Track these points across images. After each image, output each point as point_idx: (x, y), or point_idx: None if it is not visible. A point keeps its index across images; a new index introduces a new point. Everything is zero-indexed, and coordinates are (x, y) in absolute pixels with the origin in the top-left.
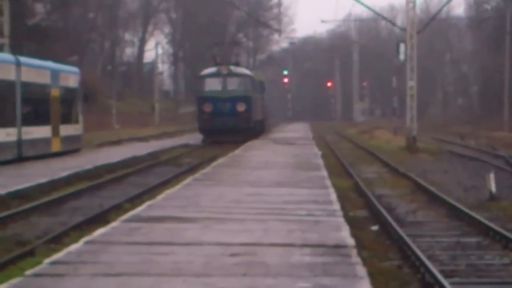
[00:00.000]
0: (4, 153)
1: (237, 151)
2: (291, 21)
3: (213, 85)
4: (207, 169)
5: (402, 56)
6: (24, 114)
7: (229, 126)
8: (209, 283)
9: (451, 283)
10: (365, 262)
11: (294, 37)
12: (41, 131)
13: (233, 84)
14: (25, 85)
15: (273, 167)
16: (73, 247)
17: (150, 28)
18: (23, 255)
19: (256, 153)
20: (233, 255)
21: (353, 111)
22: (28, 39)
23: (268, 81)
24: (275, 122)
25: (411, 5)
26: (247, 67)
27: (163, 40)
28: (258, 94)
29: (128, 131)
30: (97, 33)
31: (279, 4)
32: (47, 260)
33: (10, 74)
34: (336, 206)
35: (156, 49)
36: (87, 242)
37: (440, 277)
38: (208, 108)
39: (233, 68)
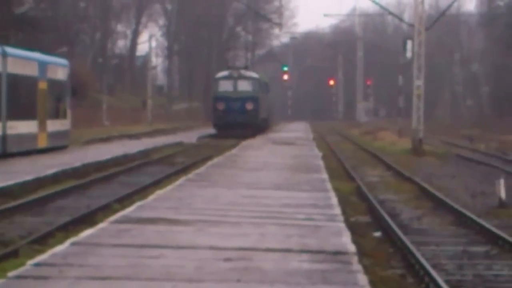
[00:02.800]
0: None
1: (234, 151)
2: (293, 14)
3: (225, 86)
4: (201, 169)
5: (409, 54)
6: (10, 107)
7: (239, 122)
8: None
9: None
10: (366, 270)
11: (296, 32)
12: (27, 126)
13: (243, 86)
14: (11, 77)
15: (271, 168)
16: (58, 248)
17: (143, 19)
18: (5, 256)
19: (254, 153)
20: (227, 260)
21: (356, 111)
22: (15, 29)
23: (264, 78)
24: (275, 120)
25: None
26: (246, 62)
27: (158, 33)
28: (264, 94)
29: (119, 128)
30: (88, 23)
31: None
32: (30, 262)
33: None
34: (337, 210)
35: (149, 42)
36: (73, 244)
37: (445, 287)
38: (221, 106)
39: (243, 71)
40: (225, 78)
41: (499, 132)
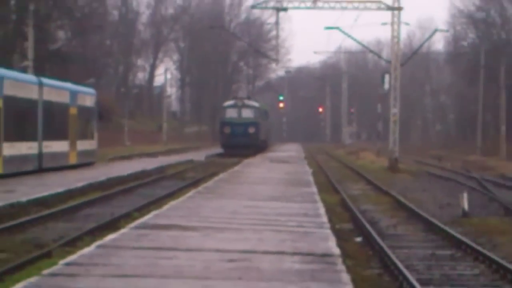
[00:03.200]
0: (27, 164)
1: (237, 168)
2: (288, 52)
3: (231, 113)
4: (208, 183)
5: (386, 86)
6: (45, 129)
7: (242, 143)
8: (208, 285)
9: None
10: (349, 269)
11: (290, 67)
12: (59, 146)
13: (246, 113)
14: (46, 104)
15: (268, 183)
16: (86, 250)
17: (160, 55)
18: (40, 257)
19: (254, 170)
20: (230, 260)
21: (342, 134)
22: (50, 63)
23: (264, 106)
24: (272, 142)
25: (395, 40)
26: (248, 92)
27: (172, 66)
28: (263, 120)
29: (138, 148)
30: (112, 58)
31: (277, 37)
32: (62, 261)
33: (33, 93)
34: (324, 219)
35: (165, 74)
36: (98, 246)
37: (416, 285)
38: (227, 130)
39: (246, 101)
40: (231, 106)
41: (463, 152)
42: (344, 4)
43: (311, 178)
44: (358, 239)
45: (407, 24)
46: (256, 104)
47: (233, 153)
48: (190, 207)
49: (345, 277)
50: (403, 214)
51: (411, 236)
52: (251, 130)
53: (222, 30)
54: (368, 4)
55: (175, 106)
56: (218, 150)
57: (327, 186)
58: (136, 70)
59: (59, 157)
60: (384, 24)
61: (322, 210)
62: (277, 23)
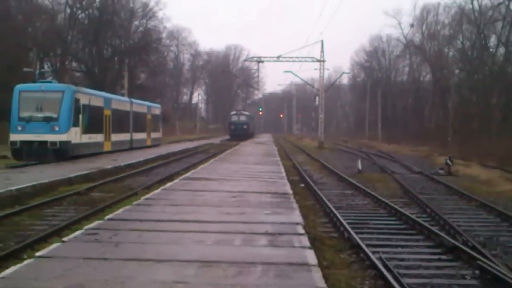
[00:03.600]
0: (124, 145)
1: (237, 147)
2: (263, 84)
3: (234, 118)
4: (222, 155)
5: (317, 102)
6: (134, 127)
7: (240, 134)
8: (221, 209)
9: (339, 212)
10: (297, 201)
11: (265, 92)
12: (141, 135)
13: (242, 118)
14: (134, 113)
15: (254, 154)
16: (155, 191)
17: (195, 86)
18: (131, 195)
19: (246, 148)
20: (233, 196)
21: (293, 128)
22: (137, 91)
23: (252, 114)
24: (256, 132)
25: (322, 77)
26: (242, 107)
27: (202, 92)
28: (251, 121)
29: (183, 136)
30: (170, 88)
31: (258, 76)
32: (143, 197)
33: (127, 107)
34: (284, 174)
35: (197, 96)
36: (163, 189)
37: (333, 209)
38: (232, 126)
39: (242, 111)
40: (234, 114)
41: (358, 138)
42: (294, 58)
43: (277, 153)
44: (302, 185)
45: (327, 69)
46: (247, 113)
47: (235, 139)
48: (211, 168)
49: (295, 205)
50: (326, 171)
51: (330, 184)
52: (245, 127)
53: (228, 73)
54: (308, 58)
55: (203, 113)
56: (227, 137)
57: (285, 156)
58: (182, 94)
59: (141, 141)
60: (316, 69)
61: (282, 169)
62: (258, 69)
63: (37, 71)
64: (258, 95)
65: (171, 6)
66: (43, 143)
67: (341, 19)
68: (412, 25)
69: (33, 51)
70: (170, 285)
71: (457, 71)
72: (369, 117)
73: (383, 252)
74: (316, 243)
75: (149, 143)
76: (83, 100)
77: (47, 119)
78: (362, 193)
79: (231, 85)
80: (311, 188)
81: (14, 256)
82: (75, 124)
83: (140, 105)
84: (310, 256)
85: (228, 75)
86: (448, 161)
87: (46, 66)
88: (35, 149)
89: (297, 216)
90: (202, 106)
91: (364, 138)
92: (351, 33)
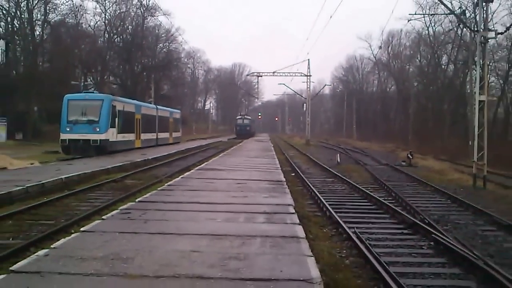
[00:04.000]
0: (151, 143)
1: (241, 144)
2: (262, 93)
3: (239, 121)
4: (229, 151)
5: (304, 108)
6: (159, 128)
7: (244, 133)
8: (228, 194)
9: (322, 196)
10: (289, 187)
11: (263, 100)
12: (165, 135)
13: (246, 121)
14: (159, 117)
15: (254, 149)
16: (176, 179)
17: (208, 95)
18: (156, 182)
19: (248, 145)
20: (238, 183)
21: (286, 129)
22: (161, 99)
23: (253, 118)
24: (256, 132)
25: (308, 88)
26: (245, 112)
27: (213, 100)
28: (253, 123)
29: (198, 135)
30: (187, 97)
31: (257, 87)
32: (166, 184)
33: (153, 112)
34: (278, 165)
35: (210, 104)
36: (182, 177)
37: (317, 193)
38: (238, 128)
39: (245, 116)
40: (239, 118)
41: (337, 137)
42: (286, 73)
43: (272, 148)
44: (292, 174)
45: (313, 82)
46: (250, 117)
47: (240, 138)
48: (221, 161)
49: (287, 190)
50: (312, 163)
51: (315, 173)
52: (248, 128)
53: (234, 85)
54: (297, 73)
55: (214, 117)
56: (233, 136)
57: (279, 151)
58: (197, 102)
59: (164, 139)
60: (303, 82)
61: (277, 161)
62: (257, 81)
63: (82, 84)
64: (257, 102)
65: (188, 31)
66: (86, 141)
67: (324, 41)
68: (380, 47)
69: (79, 68)
70: (188, 253)
71: (415, 84)
72: (346, 120)
73: (357, 228)
74: (304, 220)
75: (171, 141)
76: (119, 107)
77: (90, 122)
78: (340, 180)
79: (236, 94)
80: (300, 176)
81: (63, 231)
82: (112, 126)
83: (164, 111)
84: (299, 231)
85: (234, 87)
86: (409, 155)
87: (89, 80)
88: (80, 146)
89: (289, 199)
90: (213, 111)
91: (342, 136)
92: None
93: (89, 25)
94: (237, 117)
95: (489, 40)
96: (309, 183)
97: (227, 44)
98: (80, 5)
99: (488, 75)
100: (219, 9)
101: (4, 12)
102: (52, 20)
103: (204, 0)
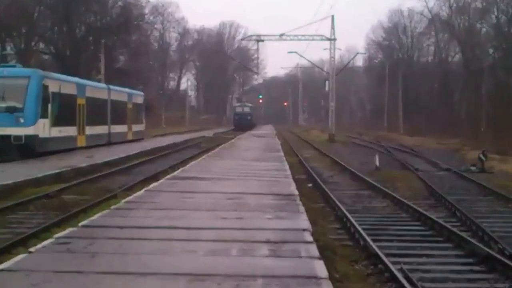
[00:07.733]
0: (102, 140)
1: (233, 140)
2: (264, 67)
3: (239, 109)
4: (215, 150)
5: (327, 88)
6: (112, 118)
7: (244, 124)
8: (215, 214)
9: (353, 216)
10: (303, 203)
11: (266, 76)
12: (121, 128)
13: (245, 109)
14: (112, 102)
15: (253, 149)
16: (138, 193)
17: (184, 70)
18: (109, 198)
19: (244, 142)
20: (229, 198)
21: (299, 119)
22: (115, 75)
23: (254, 105)
24: (257, 123)
25: (332, 59)
26: (239, 94)
27: (191, 77)
28: (254, 112)
29: (170, 129)
30: (154, 72)
31: (257, 58)
32: (123, 200)
33: (104, 95)
34: (289, 172)
35: (187, 82)
36: (146, 190)
37: (346, 212)
38: (237, 117)
39: (245, 103)
40: (239, 106)
41: (375, 130)
42: (300, 37)
43: (279, 147)
44: (310, 185)
45: (339, 49)
46: (250, 104)
47: (239, 129)
48: (203, 165)
49: (301, 208)
50: (338, 168)
51: (343, 183)
52: (248, 117)
53: (222, 54)
54: (316, 36)
55: (193, 102)
56: (222, 130)
57: (289, 151)
58: (169, 80)
59: (121, 135)
60: (325, 49)
61: (287, 166)
62: (257, 49)
63: None
64: (257, 80)
65: None
66: (5, 137)
67: None
68: None
69: None
70: None
71: (491, 51)
72: (388, 105)
73: (405, 263)
74: (326, 253)
75: (130, 137)
76: (53, 87)
77: (10, 110)
78: (380, 194)
79: (226, 68)
80: (321, 188)
81: None
82: (44, 116)
83: (119, 93)
84: (320, 268)
85: (222, 57)
86: (482, 156)
87: (8, 48)
88: None
89: (304, 221)
90: (191, 93)
91: (382, 129)
92: (367, 7)
93: None
94: (236, 105)
95: None
96: (333, 198)
97: None
98: None
99: None
100: None
101: None
102: None
103: None
